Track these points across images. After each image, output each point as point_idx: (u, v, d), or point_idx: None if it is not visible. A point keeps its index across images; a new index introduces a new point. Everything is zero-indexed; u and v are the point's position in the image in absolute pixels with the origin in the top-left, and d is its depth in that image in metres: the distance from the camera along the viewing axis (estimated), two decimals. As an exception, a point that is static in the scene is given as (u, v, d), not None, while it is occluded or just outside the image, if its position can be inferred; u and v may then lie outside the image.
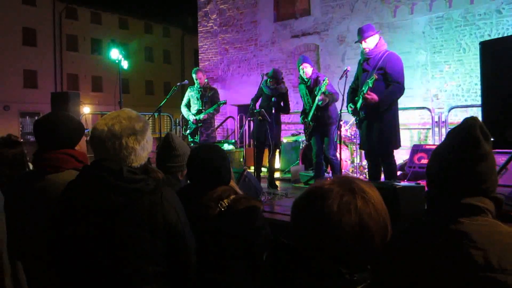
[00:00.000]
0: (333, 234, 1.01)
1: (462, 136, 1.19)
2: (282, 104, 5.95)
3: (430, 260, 1.09)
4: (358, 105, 4.58)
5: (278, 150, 7.22)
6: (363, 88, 4.45)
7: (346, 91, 4.83)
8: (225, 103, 6.52)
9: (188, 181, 2.18)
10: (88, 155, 2.18)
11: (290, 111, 6.22)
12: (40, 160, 1.98)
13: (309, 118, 5.54)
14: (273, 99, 5.80)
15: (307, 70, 5.51)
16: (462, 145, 1.17)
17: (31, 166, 2.23)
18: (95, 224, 1.52)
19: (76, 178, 1.63)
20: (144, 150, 1.64)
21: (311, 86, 5.52)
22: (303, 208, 1.10)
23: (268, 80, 5.89)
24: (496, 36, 7.94)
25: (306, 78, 5.53)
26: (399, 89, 4.43)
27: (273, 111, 5.86)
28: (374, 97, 4.33)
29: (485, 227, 1.10)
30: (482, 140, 1.16)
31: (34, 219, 1.88)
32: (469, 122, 1.20)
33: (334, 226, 1.01)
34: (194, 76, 6.49)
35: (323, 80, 5.30)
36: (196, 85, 6.51)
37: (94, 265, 1.52)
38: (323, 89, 5.25)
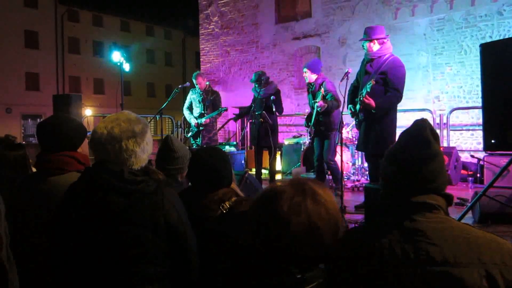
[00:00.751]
0: (283, 233, 1.05)
1: (413, 137, 1.24)
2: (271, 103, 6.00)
3: (386, 258, 1.11)
4: (357, 107, 4.62)
5: (279, 152, 7.23)
6: (362, 91, 4.48)
7: (347, 92, 4.86)
8: (226, 110, 6.56)
9: (190, 183, 2.19)
10: (90, 157, 2.19)
11: (291, 112, 6.27)
12: (43, 162, 1.99)
13: (311, 122, 5.62)
14: (272, 97, 5.85)
15: (307, 75, 5.63)
16: (413, 145, 1.22)
17: (33, 169, 2.24)
18: (97, 226, 1.53)
19: (77, 180, 1.63)
20: (144, 152, 1.64)
21: (315, 91, 5.60)
22: (257, 209, 1.14)
23: (255, 84, 5.98)
24: (497, 38, 7.93)
25: (311, 83, 5.64)
26: (397, 97, 4.46)
27: (276, 113, 5.88)
28: (371, 102, 4.36)
29: (438, 223, 1.14)
30: (432, 141, 1.22)
31: (37, 221, 1.88)
32: (419, 123, 1.27)
33: (284, 226, 1.05)
34: (194, 81, 6.50)
35: (320, 89, 5.38)
36: (197, 88, 6.52)
37: (96, 266, 1.53)
38: (319, 98, 5.34)
